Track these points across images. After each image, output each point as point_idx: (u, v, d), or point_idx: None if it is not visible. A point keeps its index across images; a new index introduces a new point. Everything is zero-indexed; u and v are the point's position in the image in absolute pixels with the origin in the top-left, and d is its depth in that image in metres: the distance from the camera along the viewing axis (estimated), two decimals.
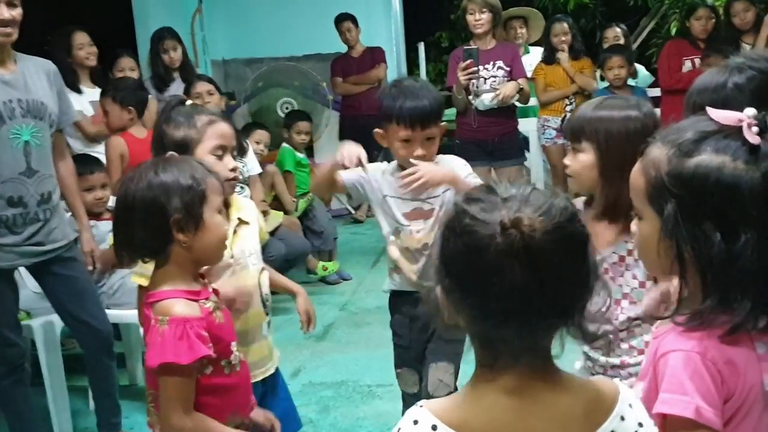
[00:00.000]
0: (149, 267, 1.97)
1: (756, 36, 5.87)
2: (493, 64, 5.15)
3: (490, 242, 1.11)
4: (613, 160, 1.96)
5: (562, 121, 6.16)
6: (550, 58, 6.25)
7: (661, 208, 1.30)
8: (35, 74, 3.17)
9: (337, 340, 4.82)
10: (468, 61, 4.94)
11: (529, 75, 5.74)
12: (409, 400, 2.77)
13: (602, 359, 2.10)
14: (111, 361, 3.49)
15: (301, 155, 6.42)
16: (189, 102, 2.42)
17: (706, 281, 1.28)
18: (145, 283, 2.08)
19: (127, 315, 3.73)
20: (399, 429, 1.21)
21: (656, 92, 6.28)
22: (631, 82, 5.98)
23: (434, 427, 1.18)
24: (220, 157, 2.31)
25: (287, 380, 2.60)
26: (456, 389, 2.62)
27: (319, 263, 5.98)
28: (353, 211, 7.93)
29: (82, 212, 3.44)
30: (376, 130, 2.72)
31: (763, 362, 1.29)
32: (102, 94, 4.46)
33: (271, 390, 2.45)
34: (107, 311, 3.52)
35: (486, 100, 5.07)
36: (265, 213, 5.35)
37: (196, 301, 1.86)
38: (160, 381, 1.82)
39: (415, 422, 1.19)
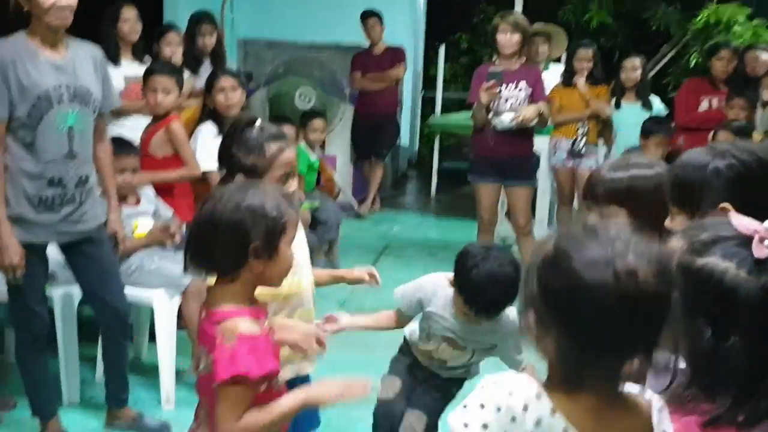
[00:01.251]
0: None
1: None
2: (516, 85, 5.18)
3: (600, 288, 1.24)
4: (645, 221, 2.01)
5: (573, 142, 6.23)
6: (568, 81, 6.22)
7: None
8: (84, 59, 3.23)
9: (334, 338, 4.86)
10: (491, 82, 5.03)
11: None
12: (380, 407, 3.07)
13: None
14: (125, 340, 3.62)
15: (313, 158, 6.35)
16: (258, 122, 2.49)
17: (693, 369, 1.36)
18: None
19: (142, 295, 3.84)
20: (511, 393, 1.32)
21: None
22: (645, 113, 5.97)
23: (553, 410, 1.32)
24: (284, 183, 2.43)
25: None
26: None
27: None
28: (356, 206, 7.99)
29: (113, 194, 3.53)
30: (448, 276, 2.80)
31: None
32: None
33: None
34: None
35: (506, 119, 5.11)
36: None
37: (257, 320, 1.93)
38: (222, 392, 1.84)
39: (538, 396, 1.33)
